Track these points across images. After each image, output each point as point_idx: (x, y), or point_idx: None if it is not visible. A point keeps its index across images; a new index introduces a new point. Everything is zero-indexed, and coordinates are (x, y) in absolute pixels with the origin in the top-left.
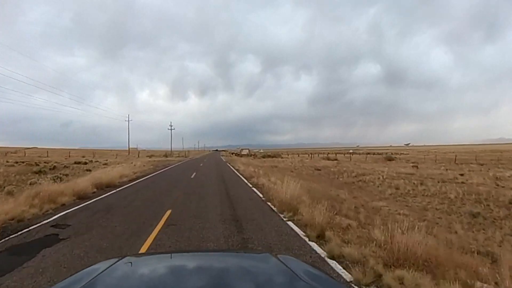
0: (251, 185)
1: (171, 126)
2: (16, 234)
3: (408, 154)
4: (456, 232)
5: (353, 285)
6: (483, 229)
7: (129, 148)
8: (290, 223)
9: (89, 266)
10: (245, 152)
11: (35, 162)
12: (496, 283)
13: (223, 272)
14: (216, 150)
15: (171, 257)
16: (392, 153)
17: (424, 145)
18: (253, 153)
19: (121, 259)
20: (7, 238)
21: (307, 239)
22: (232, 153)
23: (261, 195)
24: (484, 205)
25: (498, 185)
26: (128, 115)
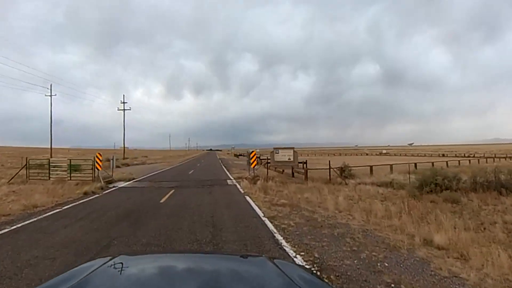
0: None
1: (124, 103)
2: None
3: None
4: None
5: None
6: None
7: (51, 148)
8: None
9: (82, 264)
10: (285, 155)
11: None
12: None
13: (217, 275)
14: (211, 149)
15: (165, 258)
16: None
17: (421, 145)
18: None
19: (115, 257)
20: None
21: None
22: (240, 155)
23: None
24: None
25: None
26: (51, 85)
